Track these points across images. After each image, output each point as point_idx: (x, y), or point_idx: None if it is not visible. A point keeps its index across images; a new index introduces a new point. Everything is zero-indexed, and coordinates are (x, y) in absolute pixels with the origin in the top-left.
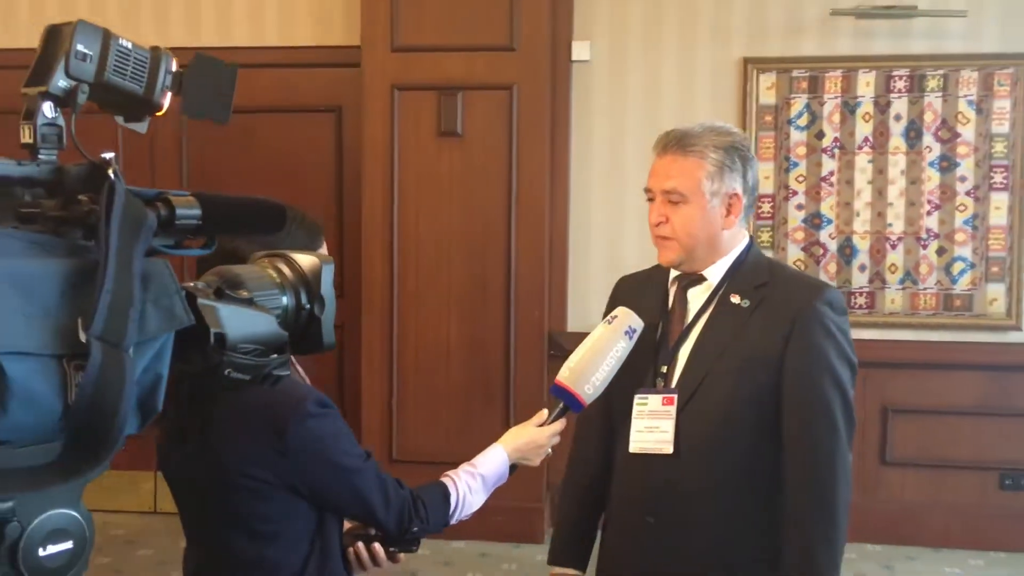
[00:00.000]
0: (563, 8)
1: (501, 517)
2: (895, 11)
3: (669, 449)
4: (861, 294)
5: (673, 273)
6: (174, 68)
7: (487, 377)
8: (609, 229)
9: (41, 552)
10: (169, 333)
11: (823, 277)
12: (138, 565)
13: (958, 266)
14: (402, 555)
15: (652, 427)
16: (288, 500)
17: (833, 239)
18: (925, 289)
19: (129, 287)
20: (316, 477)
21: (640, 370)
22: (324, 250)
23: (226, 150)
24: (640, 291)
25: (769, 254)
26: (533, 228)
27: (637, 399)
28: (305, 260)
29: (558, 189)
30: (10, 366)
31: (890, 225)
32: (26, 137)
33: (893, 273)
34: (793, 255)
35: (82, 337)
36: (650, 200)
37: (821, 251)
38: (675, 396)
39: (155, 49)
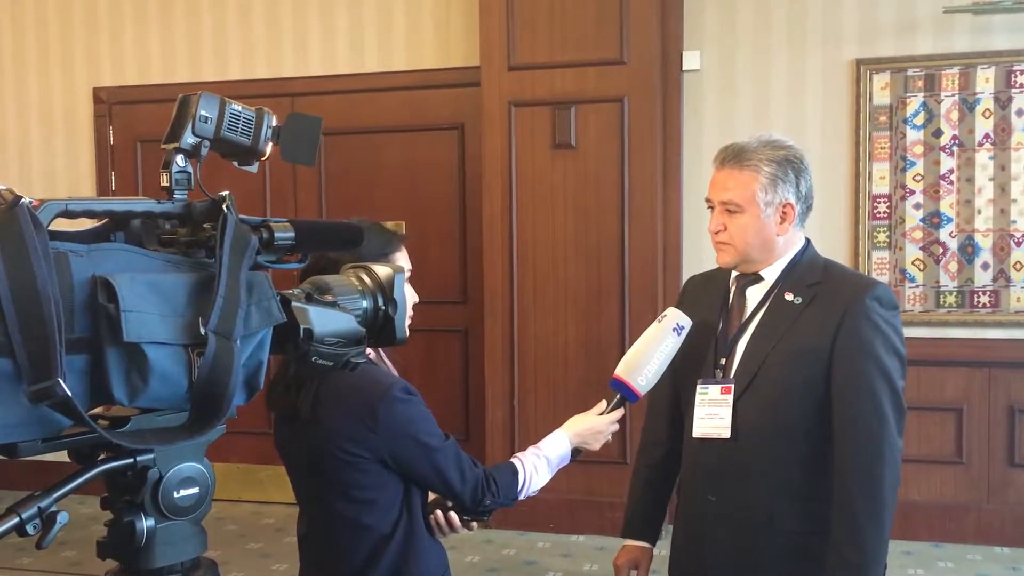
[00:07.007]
0: (672, 19)
1: (618, 513)
2: (1014, 5)
3: (727, 434)
4: (985, 292)
5: (734, 273)
6: (274, 123)
7: (604, 375)
8: None
9: (175, 494)
10: (268, 328)
11: (944, 277)
12: (284, 551)
13: None
14: (475, 524)
15: (712, 414)
16: (380, 471)
17: (954, 237)
18: None
19: (237, 293)
20: (402, 452)
21: (702, 362)
22: (401, 254)
23: (359, 166)
24: (704, 289)
25: (885, 254)
26: (645, 234)
27: (699, 388)
28: (382, 270)
29: (670, 195)
30: (151, 352)
31: (1014, 222)
32: (164, 182)
33: (1018, 271)
34: (911, 254)
35: (202, 331)
36: (710, 208)
37: (941, 250)
38: (732, 386)
39: (259, 109)
